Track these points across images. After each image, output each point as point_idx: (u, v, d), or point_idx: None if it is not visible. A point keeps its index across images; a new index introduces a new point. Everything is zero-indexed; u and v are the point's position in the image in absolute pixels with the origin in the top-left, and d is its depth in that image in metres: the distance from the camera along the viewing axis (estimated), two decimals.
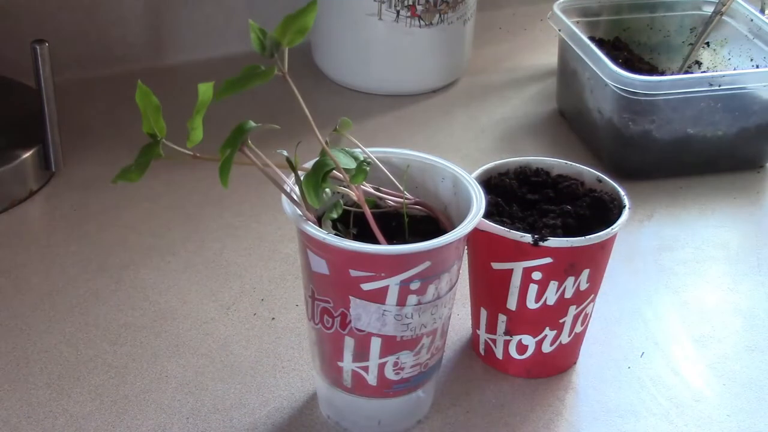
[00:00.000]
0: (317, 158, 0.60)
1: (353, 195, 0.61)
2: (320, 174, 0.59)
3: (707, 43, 1.03)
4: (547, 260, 0.66)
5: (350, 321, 0.61)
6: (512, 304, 0.68)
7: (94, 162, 0.94)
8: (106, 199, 0.89)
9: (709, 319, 0.79)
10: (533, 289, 0.67)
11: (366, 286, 0.59)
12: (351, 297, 0.60)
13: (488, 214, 0.67)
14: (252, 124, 0.59)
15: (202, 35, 1.12)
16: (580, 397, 0.71)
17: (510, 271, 0.67)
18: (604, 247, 0.68)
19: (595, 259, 0.68)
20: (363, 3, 1.02)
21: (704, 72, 1.03)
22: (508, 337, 0.70)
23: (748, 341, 0.77)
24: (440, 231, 0.64)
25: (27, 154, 0.88)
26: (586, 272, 0.67)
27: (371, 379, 0.63)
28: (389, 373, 0.63)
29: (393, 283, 0.59)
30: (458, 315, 0.76)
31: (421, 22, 1.03)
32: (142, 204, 0.88)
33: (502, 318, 0.69)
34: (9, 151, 0.88)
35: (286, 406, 0.69)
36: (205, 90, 0.58)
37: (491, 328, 0.71)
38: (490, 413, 0.69)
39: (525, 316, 0.68)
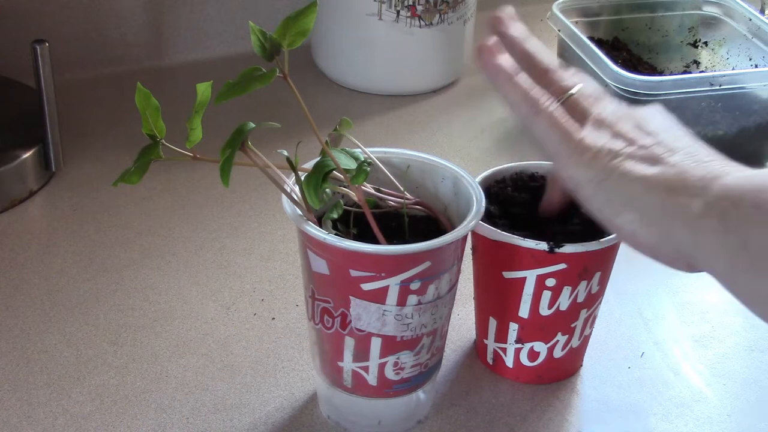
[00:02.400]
0: (317, 158, 0.60)
1: (353, 195, 0.61)
2: (321, 174, 0.59)
3: (705, 43, 1.03)
4: (562, 266, 0.65)
5: (350, 321, 0.61)
6: (524, 312, 0.68)
7: (94, 162, 0.94)
8: (106, 199, 0.89)
9: (709, 319, 0.79)
10: (546, 295, 0.67)
11: (366, 286, 0.59)
12: (351, 297, 0.60)
13: (494, 224, 0.66)
14: (252, 125, 0.59)
15: (202, 35, 1.12)
16: (580, 397, 0.71)
17: (523, 280, 0.66)
18: (615, 249, 0.68)
19: (607, 262, 0.67)
20: (363, 3, 1.02)
21: (704, 72, 1.03)
22: (519, 345, 0.70)
23: (748, 341, 0.77)
24: (440, 231, 0.63)
25: (27, 154, 0.88)
26: (597, 275, 0.67)
27: (371, 379, 0.63)
28: (389, 373, 0.63)
29: (393, 283, 0.59)
30: (458, 315, 0.76)
31: (421, 22, 1.03)
32: (142, 204, 0.88)
33: (513, 326, 0.69)
34: (9, 151, 0.88)
35: (286, 406, 0.69)
36: (204, 90, 0.58)
37: (501, 337, 0.70)
38: (490, 413, 0.69)
39: (537, 323, 0.68)
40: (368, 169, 0.61)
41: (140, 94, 0.58)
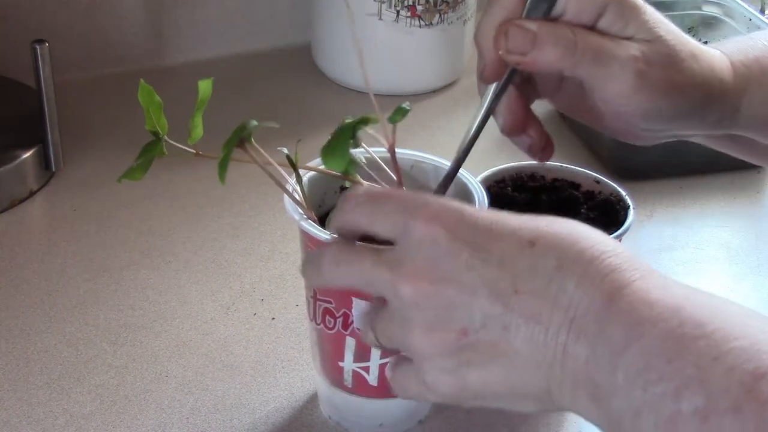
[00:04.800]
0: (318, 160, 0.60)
1: (385, 144, 0.59)
2: (350, 130, 0.56)
3: (705, 42, 1.03)
4: None
5: (352, 321, 0.61)
6: None
7: (94, 162, 0.94)
8: (106, 199, 0.89)
9: None
10: None
11: None
12: (353, 297, 0.60)
13: None
14: (254, 122, 0.58)
15: (202, 35, 1.12)
16: None
17: None
18: None
19: None
20: (363, 3, 1.02)
21: None
22: None
23: None
24: None
25: (27, 154, 0.88)
26: None
27: (372, 379, 0.63)
28: None
29: None
30: None
31: (421, 22, 1.03)
32: (142, 204, 0.88)
33: None
34: (9, 151, 0.88)
35: (286, 406, 0.69)
36: (205, 87, 0.58)
37: None
38: (490, 413, 0.69)
39: None
40: (409, 108, 0.59)
41: (143, 91, 0.58)
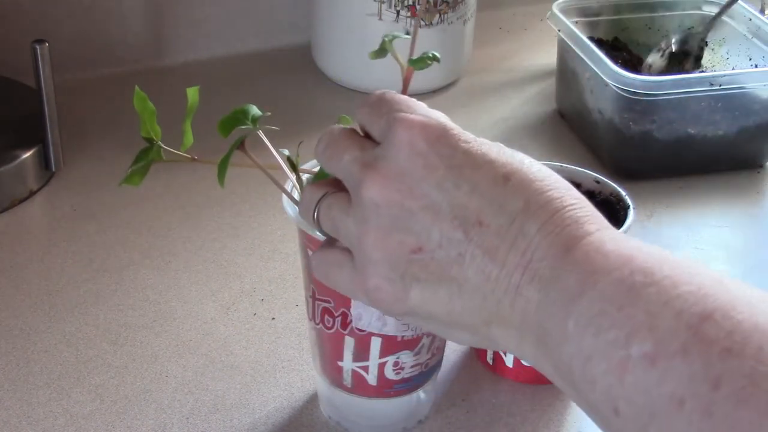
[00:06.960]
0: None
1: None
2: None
3: (705, 42, 1.03)
4: None
5: (351, 321, 0.61)
6: None
7: (94, 162, 0.94)
8: (106, 199, 0.89)
9: None
10: None
11: None
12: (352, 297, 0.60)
13: None
14: (255, 109, 0.59)
15: (202, 35, 1.12)
16: None
17: None
18: None
19: None
20: (363, 3, 1.02)
21: (704, 72, 1.03)
22: None
23: None
24: None
25: (27, 154, 0.88)
26: None
27: (371, 379, 0.63)
28: (389, 373, 0.63)
29: None
30: None
31: (421, 22, 1.03)
32: (142, 204, 0.88)
33: None
34: (9, 151, 0.88)
35: (286, 406, 0.69)
36: (193, 94, 0.59)
37: None
38: (490, 413, 0.69)
39: None
40: (431, 60, 0.60)
41: (138, 98, 0.58)
